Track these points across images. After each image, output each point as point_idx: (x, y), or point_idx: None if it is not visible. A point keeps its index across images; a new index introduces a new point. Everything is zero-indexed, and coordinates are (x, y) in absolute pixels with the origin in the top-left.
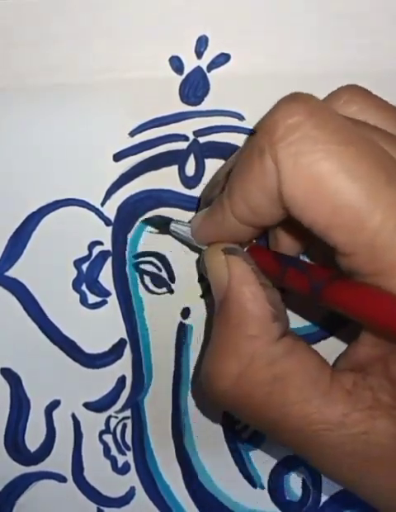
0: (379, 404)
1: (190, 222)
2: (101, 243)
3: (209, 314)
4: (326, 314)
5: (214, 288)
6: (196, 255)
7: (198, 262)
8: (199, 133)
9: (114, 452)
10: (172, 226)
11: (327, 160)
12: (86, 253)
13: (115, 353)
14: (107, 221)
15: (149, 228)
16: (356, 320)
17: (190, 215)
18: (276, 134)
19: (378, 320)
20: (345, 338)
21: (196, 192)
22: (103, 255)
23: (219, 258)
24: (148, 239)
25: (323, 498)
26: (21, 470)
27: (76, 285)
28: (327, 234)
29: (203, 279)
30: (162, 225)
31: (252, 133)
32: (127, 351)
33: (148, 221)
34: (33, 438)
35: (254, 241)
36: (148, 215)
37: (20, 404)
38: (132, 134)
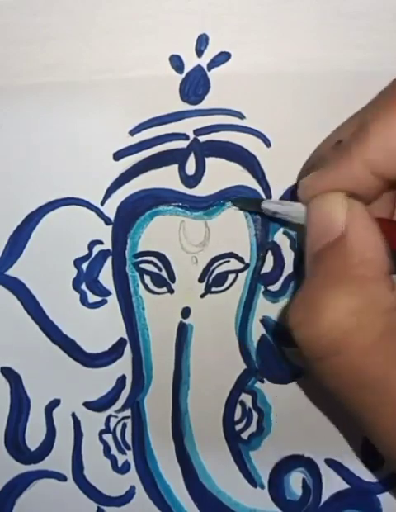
0: None
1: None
2: (101, 242)
3: (209, 313)
4: None
5: (320, 229)
6: (196, 255)
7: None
8: (199, 132)
9: (114, 451)
10: (265, 204)
11: None
12: (86, 252)
13: (115, 352)
14: (107, 220)
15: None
16: None
17: (191, 215)
18: None
19: None
20: None
21: (197, 191)
22: (103, 254)
23: (337, 201)
24: (148, 239)
25: (323, 498)
26: (21, 469)
27: (76, 284)
28: None
29: (203, 279)
30: (252, 206)
31: None
32: (127, 350)
33: (236, 203)
34: (33, 437)
35: None
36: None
37: (20, 403)
38: (132, 133)
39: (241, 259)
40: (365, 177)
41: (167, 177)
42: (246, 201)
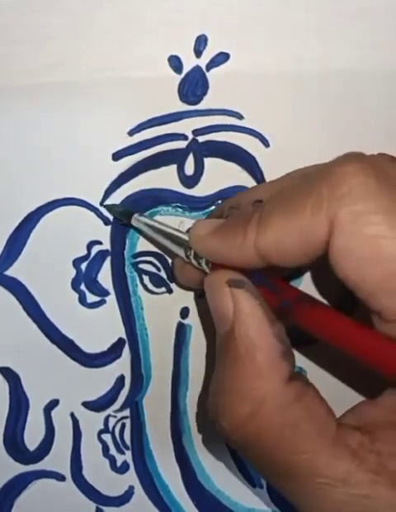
0: (384, 470)
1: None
2: (99, 242)
3: (208, 313)
4: None
5: (217, 319)
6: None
7: (172, 265)
8: (198, 132)
9: (113, 451)
10: (135, 219)
11: (387, 225)
12: (85, 252)
13: (113, 352)
14: (106, 221)
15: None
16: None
17: (190, 215)
18: (340, 189)
19: (340, 342)
20: None
21: (195, 191)
22: (102, 255)
23: (224, 290)
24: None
25: None
26: (20, 469)
27: (75, 284)
28: (374, 298)
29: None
30: (124, 216)
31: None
32: (126, 350)
33: (109, 208)
34: (32, 437)
35: None
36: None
37: (19, 403)
38: (131, 133)
39: None
40: (250, 257)
41: (166, 178)
42: (118, 210)
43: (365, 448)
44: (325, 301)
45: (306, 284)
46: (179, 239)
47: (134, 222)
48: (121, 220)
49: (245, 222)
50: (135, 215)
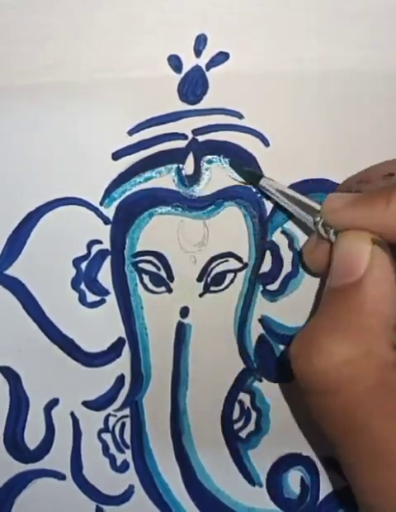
0: None
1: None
2: (99, 242)
3: (208, 313)
4: None
5: (341, 268)
6: (195, 255)
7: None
8: (198, 131)
9: (113, 450)
10: (264, 182)
11: None
12: (85, 251)
13: (113, 351)
14: (106, 220)
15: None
16: None
17: (189, 214)
18: None
19: None
20: None
21: (195, 190)
22: (102, 254)
23: (363, 245)
24: (147, 239)
25: (321, 496)
26: (20, 468)
27: (75, 284)
28: None
29: (202, 278)
30: (251, 177)
31: None
32: (126, 350)
33: (236, 166)
34: (32, 436)
35: None
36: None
37: (19, 402)
38: (131, 132)
39: (239, 259)
40: (393, 226)
41: (165, 177)
42: (245, 169)
43: None
44: None
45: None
46: (309, 207)
47: (263, 183)
48: (246, 181)
49: (388, 191)
50: (263, 179)
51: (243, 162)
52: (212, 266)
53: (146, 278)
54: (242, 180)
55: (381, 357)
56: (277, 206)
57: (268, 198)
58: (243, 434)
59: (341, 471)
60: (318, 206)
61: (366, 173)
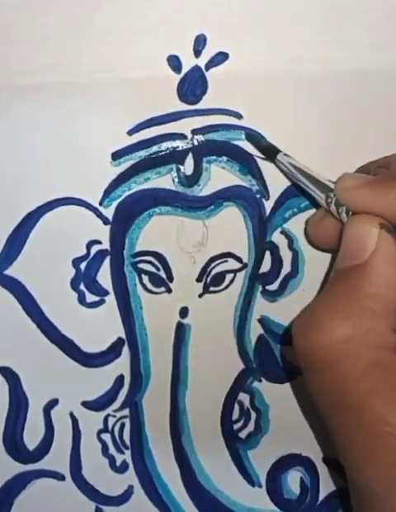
0: None
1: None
2: (99, 242)
3: (207, 313)
4: None
5: (349, 250)
6: (194, 255)
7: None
8: (197, 132)
9: (112, 450)
10: (280, 157)
11: None
12: (84, 252)
13: (113, 352)
14: (105, 220)
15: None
16: None
17: (189, 215)
18: None
19: None
20: None
21: (195, 190)
22: (101, 254)
23: (371, 228)
24: (146, 239)
25: (321, 496)
26: (19, 468)
27: (74, 284)
28: None
29: (201, 278)
30: (267, 152)
31: None
32: (125, 350)
33: (252, 139)
34: (31, 437)
35: None
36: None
37: (18, 402)
38: (130, 132)
39: (239, 259)
40: None
41: (165, 177)
42: (263, 143)
43: None
44: None
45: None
46: (323, 185)
47: (279, 158)
48: (262, 155)
49: None
50: (280, 154)
51: (260, 136)
52: (211, 266)
53: (145, 278)
54: (260, 155)
55: (379, 338)
56: (292, 183)
57: (284, 174)
58: (243, 435)
59: (341, 471)
60: (332, 185)
61: (386, 159)
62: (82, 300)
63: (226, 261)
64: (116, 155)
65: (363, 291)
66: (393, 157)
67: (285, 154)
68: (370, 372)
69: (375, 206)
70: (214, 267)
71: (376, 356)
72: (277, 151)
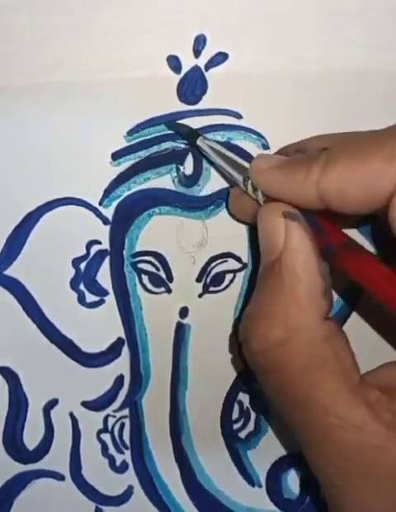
0: None
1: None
2: (98, 242)
3: (207, 313)
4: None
5: (265, 247)
6: (194, 255)
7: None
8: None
9: (112, 450)
10: (200, 141)
11: None
12: (84, 252)
13: (113, 352)
14: (105, 220)
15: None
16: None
17: (189, 215)
18: None
19: (378, 290)
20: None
21: (195, 190)
22: (101, 254)
23: (278, 220)
24: (146, 239)
25: (321, 496)
26: (19, 468)
27: (74, 284)
28: None
29: (201, 278)
30: (189, 136)
31: None
32: (125, 350)
33: (174, 127)
34: (31, 437)
35: None
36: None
37: (18, 402)
38: (130, 133)
39: (239, 259)
40: (310, 198)
41: (165, 177)
42: (182, 127)
43: (382, 405)
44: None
45: None
46: (240, 167)
47: (199, 143)
48: (184, 139)
49: (310, 161)
50: (201, 138)
51: (177, 122)
52: (211, 266)
53: (145, 278)
54: (183, 140)
55: (309, 333)
56: (212, 166)
57: (205, 158)
58: (243, 435)
59: None
60: (247, 166)
61: (304, 143)
62: (81, 300)
63: (226, 261)
64: (116, 155)
65: (283, 289)
66: (310, 141)
67: (205, 138)
68: (308, 367)
69: (285, 190)
70: (213, 267)
71: (311, 351)
72: (198, 135)
